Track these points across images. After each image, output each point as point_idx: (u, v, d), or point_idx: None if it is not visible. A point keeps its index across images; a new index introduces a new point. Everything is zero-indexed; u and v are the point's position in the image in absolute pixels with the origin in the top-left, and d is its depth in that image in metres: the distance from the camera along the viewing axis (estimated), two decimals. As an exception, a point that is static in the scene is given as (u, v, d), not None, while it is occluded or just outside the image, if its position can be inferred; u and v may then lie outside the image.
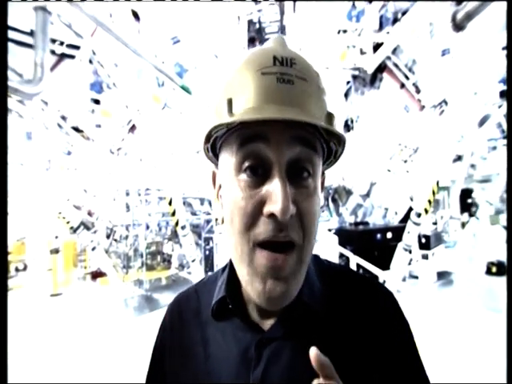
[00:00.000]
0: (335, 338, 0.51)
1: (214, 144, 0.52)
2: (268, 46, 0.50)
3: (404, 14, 7.48)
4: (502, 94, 7.18)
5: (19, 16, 6.22)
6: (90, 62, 8.07)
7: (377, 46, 7.94)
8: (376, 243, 7.53)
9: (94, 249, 7.90)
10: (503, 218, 8.96)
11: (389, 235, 7.70)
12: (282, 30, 8.84)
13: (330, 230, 7.70)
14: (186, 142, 8.35)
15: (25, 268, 9.67)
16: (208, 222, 9.43)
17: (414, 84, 8.16)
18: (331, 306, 0.53)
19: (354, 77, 8.91)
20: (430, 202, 6.06)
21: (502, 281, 6.33)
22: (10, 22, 5.64)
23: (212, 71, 7.93)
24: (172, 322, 0.64)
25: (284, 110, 0.42)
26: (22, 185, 7.48)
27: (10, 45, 6.60)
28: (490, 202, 10.70)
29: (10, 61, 4.08)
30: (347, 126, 9.33)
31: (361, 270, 6.45)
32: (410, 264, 7.13)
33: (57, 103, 7.90)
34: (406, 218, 7.44)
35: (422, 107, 8.01)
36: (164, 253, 9.61)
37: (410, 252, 6.70)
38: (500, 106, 7.88)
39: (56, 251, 8.45)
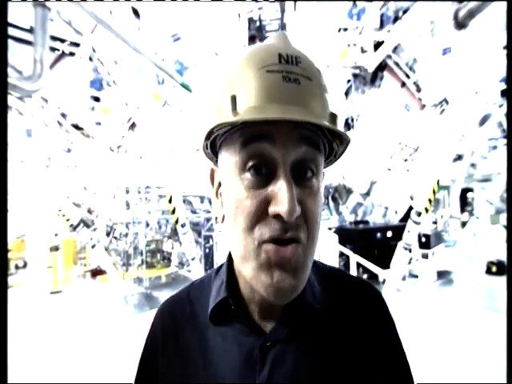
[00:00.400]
0: (336, 339, 0.52)
1: (214, 141, 0.50)
2: (271, 43, 0.49)
3: (405, 12, 7.46)
4: (503, 93, 7.17)
5: (19, 13, 6.21)
6: (90, 59, 8.06)
7: (377, 45, 7.93)
8: (376, 242, 7.53)
9: (93, 246, 7.91)
10: (503, 218, 8.96)
11: (389, 234, 7.70)
12: (283, 28, 8.83)
13: (330, 229, 7.69)
14: (186, 140, 8.34)
15: (24, 265, 9.67)
16: (208, 220, 9.44)
17: (414, 83, 8.15)
18: (330, 307, 0.54)
19: (355, 75, 8.90)
20: (430, 201, 6.05)
21: (502, 280, 6.33)
22: (10, 18, 5.62)
23: (212, 69, 7.92)
24: (163, 325, 0.61)
25: (290, 110, 0.41)
26: (21, 182, 7.48)
27: (10, 41, 6.58)
28: (490, 201, 10.70)
29: (9, 58, 4.06)
30: (347, 125, 9.33)
31: (361, 269, 6.47)
32: (409, 263, 7.13)
33: (57, 101, 7.89)
34: (406, 216, 7.44)
35: (423, 106, 8.00)
36: (164, 251, 9.63)
37: (410, 251, 6.70)
38: (501, 106, 7.87)
39: (56, 249, 8.46)
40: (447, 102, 7.05)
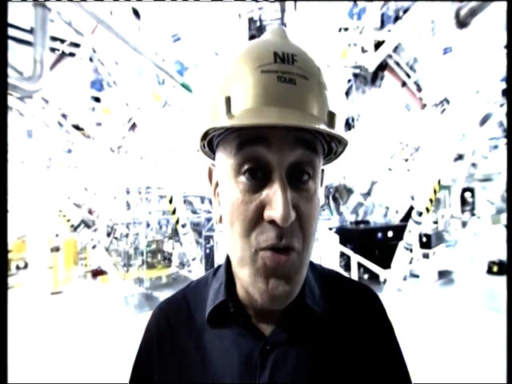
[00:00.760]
0: (336, 341, 0.52)
1: (211, 140, 0.50)
2: (267, 39, 0.47)
3: (406, 11, 7.46)
4: (504, 93, 7.15)
5: (19, 13, 6.22)
6: (91, 59, 8.08)
7: (378, 44, 7.93)
8: (377, 242, 7.52)
9: (94, 247, 7.92)
10: (504, 217, 8.94)
11: (390, 234, 7.69)
12: (283, 28, 8.79)
13: (330, 229, 7.69)
14: (186, 140, 8.33)
15: (25, 266, 9.69)
16: (208, 220, 9.43)
17: (415, 82, 8.14)
18: (330, 309, 0.54)
19: (355, 75, 8.90)
20: (431, 200, 6.05)
21: (503, 280, 6.32)
22: (10, 19, 5.63)
23: (213, 69, 7.91)
24: (159, 330, 0.59)
25: (285, 113, 0.40)
26: (22, 183, 7.49)
27: (10, 42, 6.59)
28: (491, 201, 10.69)
29: (9, 58, 4.07)
30: (348, 125, 9.32)
31: (362, 269, 6.46)
32: (410, 263, 7.12)
33: (57, 101, 7.90)
34: (407, 216, 7.43)
35: (424, 106, 7.99)
36: (164, 251, 9.62)
37: (411, 251, 6.69)
38: (502, 105, 7.86)
39: (57, 249, 8.45)
40: (448, 102, 7.04)
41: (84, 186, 9.28)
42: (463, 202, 13.43)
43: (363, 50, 7.91)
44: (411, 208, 7.30)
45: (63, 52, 7.90)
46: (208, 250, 8.28)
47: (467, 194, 13.49)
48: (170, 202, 6.54)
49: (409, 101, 8.33)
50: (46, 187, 7.30)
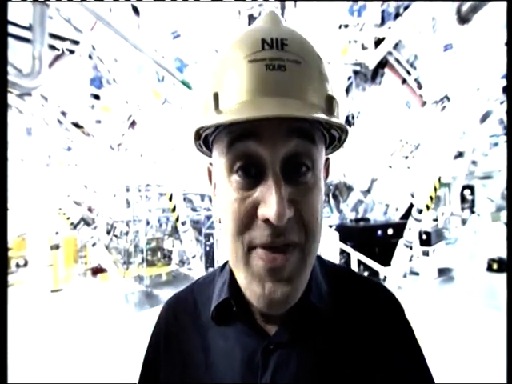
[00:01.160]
0: (343, 341, 0.49)
1: (207, 138, 0.48)
2: (257, 26, 0.45)
3: (406, 8, 7.42)
4: (505, 90, 7.14)
5: (18, 10, 6.19)
6: (90, 57, 8.03)
7: (378, 41, 7.89)
8: (377, 239, 7.53)
9: (94, 245, 7.91)
10: (504, 215, 8.94)
11: (390, 231, 7.69)
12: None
13: (330, 227, 7.69)
14: (186, 138, 8.31)
15: (25, 264, 9.69)
16: (208, 217, 9.44)
17: (415, 80, 8.12)
18: (338, 308, 0.51)
19: (356, 72, 8.87)
20: (431, 198, 6.04)
21: (503, 278, 6.32)
22: (9, 16, 5.59)
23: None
24: (167, 326, 0.59)
25: (275, 103, 0.37)
26: (22, 181, 7.47)
27: (9, 39, 6.56)
28: (491, 198, 10.69)
29: (9, 55, 4.05)
30: (348, 122, 9.30)
31: (362, 267, 6.47)
32: (410, 260, 7.13)
33: (57, 99, 7.87)
34: (407, 214, 7.43)
35: (424, 103, 7.97)
36: (164, 249, 9.63)
37: (411, 248, 6.69)
38: (502, 102, 7.84)
39: (56, 247, 8.47)
40: (448, 99, 7.01)
41: (84, 184, 9.26)
42: (463, 199, 13.45)
43: (363, 47, 7.87)
44: (411, 205, 7.30)
45: (62, 49, 7.87)
46: (208, 248, 8.29)
47: (467, 192, 13.49)
48: (170, 199, 6.53)
49: (409, 98, 8.31)
50: (46, 185, 7.28)
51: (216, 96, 0.40)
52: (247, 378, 0.48)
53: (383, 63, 8.37)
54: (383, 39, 7.78)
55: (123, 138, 9.17)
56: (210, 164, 0.52)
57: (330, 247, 6.52)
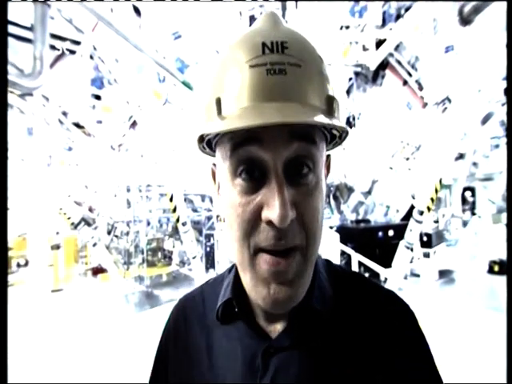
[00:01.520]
0: (346, 348, 0.48)
1: (210, 140, 0.48)
2: (257, 28, 0.45)
3: (407, 10, 7.42)
4: (506, 92, 7.12)
5: (20, 11, 6.20)
6: (91, 57, 8.05)
7: (379, 43, 7.89)
8: (377, 241, 7.51)
9: (94, 245, 7.92)
10: (505, 217, 8.92)
11: (390, 233, 7.68)
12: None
13: (331, 228, 7.68)
14: (187, 138, 8.32)
15: (26, 264, 9.71)
16: (209, 218, 9.44)
17: (416, 81, 8.12)
18: (343, 313, 0.50)
19: (357, 73, 8.87)
20: (432, 199, 6.03)
21: (504, 280, 6.30)
22: (10, 16, 5.62)
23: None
24: (176, 325, 0.61)
25: (277, 108, 0.38)
26: (23, 181, 7.48)
27: (11, 40, 6.58)
28: (492, 200, 10.67)
29: (10, 56, 4.07)
30: (349, 123, 9.29)
31: (362, 268, 6.46)
32: (411, 262, 7.11)
33: (58, 99, 7.89)
34: (408, 215, 7.42)
35: (425, 104, 7.97)
36: (165, 249, 9.63)
37: (412, 250, 6.68)
38: (503, 104, 7.82)
39: (57, 247, 8.47)
40: (449, 101, 7.01)
41: (84, 184, 9.27)
42: (464, 201, 13.41)
43: (364, 49, 7.87)
44: (412, 207, 7.29)
45: (63, 50, 7.88)
46: (208, 248, 8.29)
47: (468, 194, 13.46)
48: (171, 200, 6.53)
49: (410, 99, 8.31)
50: (47, 185, 7.30)
51: (218, 101, 0.41)
52: (247, 378, 0.48)
53: (384, 64, 8.38)
54: (384, 40, 7.79)
55: (124, 139, 9.19)
56: (214, 164, 0.53)
57: (330, 248, 6.51)
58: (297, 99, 0.39)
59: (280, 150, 0.41)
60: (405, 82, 8.27)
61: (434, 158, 6.29)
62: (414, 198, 8.19)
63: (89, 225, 7.80)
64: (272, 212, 0.39)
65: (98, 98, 8.97)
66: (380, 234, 7.65)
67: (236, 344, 0.51)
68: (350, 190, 10.03)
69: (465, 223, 12.30)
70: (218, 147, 0.46)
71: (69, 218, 7.47)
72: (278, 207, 0.39)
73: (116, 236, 9.60)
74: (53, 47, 7.21)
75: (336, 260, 6.53)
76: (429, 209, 6.11)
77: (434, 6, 6.71)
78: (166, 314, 0.65)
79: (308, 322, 0.49)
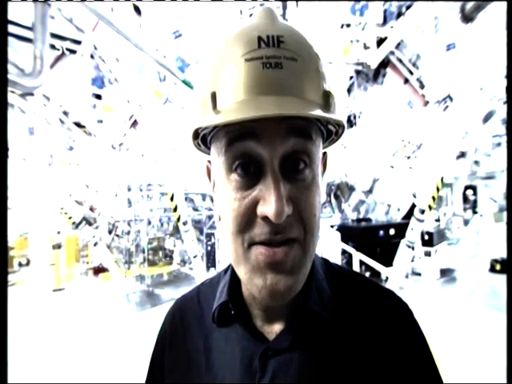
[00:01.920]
0: (344, 348, 0.47)
1: (205, 137, 0.48)
2: (253, 23, 0.44)
3: (408, 8, 7.40)
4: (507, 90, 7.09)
5: (20, 10, 6.20)
6: (92, 56, 8.05)
7: (380, 41, 7.88)
8: (379, 240, 7.50)
9: (96, 244, 7.93)
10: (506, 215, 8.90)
11: (391, 232, 7.67)
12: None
13: (332, 227, 7.67)
14: (187, 137, 8.31)
15: (27, 263, 9.73)
16: (210, 217, 9.44)
17: (417, 79, 8.10)
18: (342, 314, 0.50)
19: (357, 72, 8.86)
20: (433, 198, 6.01)
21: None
22: (10, 16, 5.61)
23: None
24: (173, 326, 0.60)
25: (273, 102, 0.37)
26: (24, 180, 7.50)
27: (12, 39, 6.58)
28: (493, 199, 10.65)
29: (10, 55, 4.07)
30: (350, 122, 9.28)
31: (363, 267, 6.45)
32: (412, 261, 7.11)
33: (59, 98, 7.89)
34: (409, 214, 7.41)
35: (426, 103, 7.95)
36: (166, 248, 9.65)
37: (413, 249, 6.67)
38: (505, 102, 7.79)
39: (58, 246, 8.49)
40: (451, 99, 6.99)
41: (85, 184, 9.29)
42: (465, 199, 13.40)
43: (365, 47, 7.86)
44: (413, 206, 7.27)
45: (64, 49, 7.89)
46: (209, 248, 8.30)
47: (469, 192, 13.44)
48: (172, 199, 6.53)
49: (411, 98, 8.28)
50: (48, 184, 7.30)
51: (214, 95, 0.40)
52: (246, 381, 0.47)
53: (385, 63, 8.36)
54: (385, 39, 7.77)
55: (125, 138, 9.19)
56: (209, 162, 0.52)
57: (331, 247, 6.51)
58: (293, 93, 0.39)
59: (276, 144, 0.40)
60: (406, 81, 8.25)
61: (435, 156, 6.27)
62: (415, 196, 8.17)
63: (90, 224, 7.82)
64: (268, 207, 0.39)
65: (98, 97, 8.98)
66: (381, 232, 7.63)
67: (234, 346, 0.50)
68: (351, 188, 10.01)
69: (466, 222, 12.29)
70: (213, 143, 0.46)
71: (70, 218, 7.48)
72: (274, 202, 0.38)
73: (117, 235, 9.62)
74: (53, 47, 7.22)
75: (337, 259, 6.52)
76: (430, 207, 6.09)
77: (435, 4, 6.69)
78: (167, 314, 0.64)
79: (306, 324, 0.48)
